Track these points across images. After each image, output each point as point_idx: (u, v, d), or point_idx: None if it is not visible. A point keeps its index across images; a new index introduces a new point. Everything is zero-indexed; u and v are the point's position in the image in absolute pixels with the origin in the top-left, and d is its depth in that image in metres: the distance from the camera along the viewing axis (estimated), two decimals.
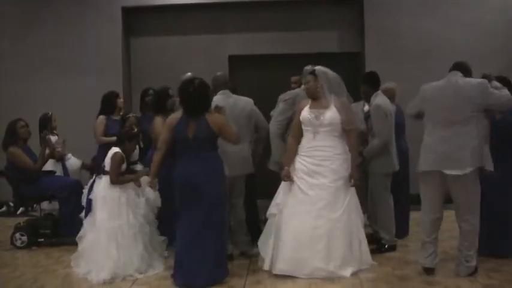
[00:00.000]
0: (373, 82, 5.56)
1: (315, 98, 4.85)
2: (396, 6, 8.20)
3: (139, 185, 5.05)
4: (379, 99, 5.45)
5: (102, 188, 4.98)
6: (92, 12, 8.42)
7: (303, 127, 4.86)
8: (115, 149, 5.08)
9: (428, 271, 4.61)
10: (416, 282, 4.51)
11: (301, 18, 8.47)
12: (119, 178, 4.99)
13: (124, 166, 5.09)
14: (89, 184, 5.18)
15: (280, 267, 4.72)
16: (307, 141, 4.84)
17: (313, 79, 4.85)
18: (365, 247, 4.83)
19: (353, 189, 4.79)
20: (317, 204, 4.70)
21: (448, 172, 4.42)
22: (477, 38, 7.93)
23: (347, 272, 4.64)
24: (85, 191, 5.17)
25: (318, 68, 4.88)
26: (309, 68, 5.46)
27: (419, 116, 4.76)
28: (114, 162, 4.99)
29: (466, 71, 4.65)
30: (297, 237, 4.71)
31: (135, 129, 5.34)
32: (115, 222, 4.86)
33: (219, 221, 4.58)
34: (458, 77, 4.56)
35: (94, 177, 5.23)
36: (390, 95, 5.90)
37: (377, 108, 5.36)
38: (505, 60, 7.60)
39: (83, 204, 5.14)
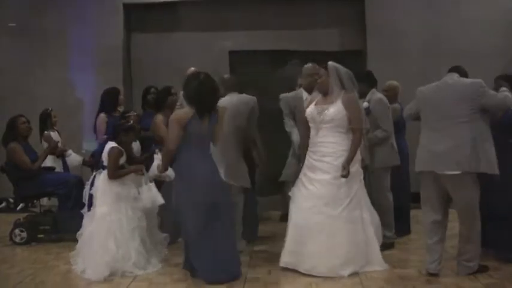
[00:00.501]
0: (369, 81, 5.60)
1: (325, 94, 4.84)
2: (398, 3, 8.18)
3: (142, 174, 5.05)
4: (379, 94, 5.57)
5: (102, 182, 4.98)
6: (93, 8, 8.40)
7: (309, 124, 4.87)
8: (111, 144, 5.04)
9: (432, 275, 4.57)
10: (417, 281, 4.49)
11: (302, 15, 8.45)
12: (115, 173, 4.96)
13: (124, 159, 5.08)
14: (90, 180, 5.18)
15: (285, 260, 4.77)
16: (311, 138, 4.86)
17: (325, 74, 4.83)
18: (374, 247, 4.77)
19: (360, 187, 4.77)
20: (318, 200, 4.70)
21: (440, 172, 4.40)
22: (479, 35, 7.91)
23: (345, 272, 4.61)
24: (87, 187, 5.16)
25: (330, 63, 4.85)
26: (309, 66, 5.46)
27: (415, 117, 4.76)
28: (111, 157, 4.97)
29: (463, 74, 4.63)
30: (299, 232, 4.72)
31: (131, 122, 5.32)
32: (115, 216, 4.86)
33: (228, 218, 4.64)
34: (454, 77, 4.55)
35: (94, 173, 5.22)
36: (393, 93, 5.95)
37: (380, 101, 5.46)
38: (507, 59, 7.58)
39: (84, 201, 5.12)
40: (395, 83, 6.13)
